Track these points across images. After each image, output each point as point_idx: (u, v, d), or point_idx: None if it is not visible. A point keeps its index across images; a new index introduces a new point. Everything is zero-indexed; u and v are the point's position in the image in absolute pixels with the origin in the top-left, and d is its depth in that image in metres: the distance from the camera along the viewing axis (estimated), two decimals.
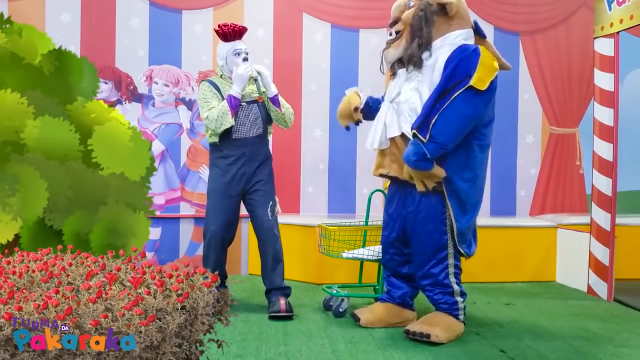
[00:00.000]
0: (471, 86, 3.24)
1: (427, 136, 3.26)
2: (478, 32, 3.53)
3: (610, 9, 4.42)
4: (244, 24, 4.19)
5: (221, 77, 4.05)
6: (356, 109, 3.77)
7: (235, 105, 3.88)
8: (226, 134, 3.92)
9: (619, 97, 4.49)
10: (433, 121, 3.25)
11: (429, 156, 3.28)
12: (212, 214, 4.00)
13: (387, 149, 3.58)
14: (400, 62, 3.53)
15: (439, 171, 3.36)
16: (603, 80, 4.55)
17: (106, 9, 5.18)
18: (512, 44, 5.73)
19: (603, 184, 4.53)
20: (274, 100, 3.99)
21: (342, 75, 5.53)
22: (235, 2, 5.35)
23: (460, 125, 3.29)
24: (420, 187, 3.41)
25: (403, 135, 3.47)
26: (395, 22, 3.53)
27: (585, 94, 5.72)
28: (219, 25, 4.01)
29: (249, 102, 3.97)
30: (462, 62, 3.28)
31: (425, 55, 3.42)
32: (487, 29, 5.68)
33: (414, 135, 3.33)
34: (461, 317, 3.50)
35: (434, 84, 3.37)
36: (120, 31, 5.21)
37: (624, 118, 4.74)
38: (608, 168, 4.49)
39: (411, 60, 3.44)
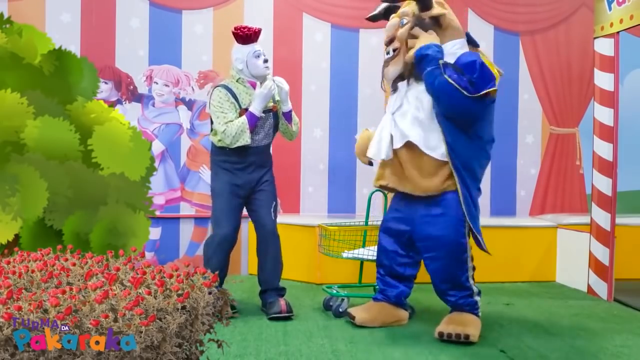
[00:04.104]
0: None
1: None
2: (471, 41, 3.59)
3: (610, 9, 4.42)
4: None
5: (237, 82, 3.91)
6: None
7: (254, 123, 3.82)
8: None
9: (619, 97, 4.49)
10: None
11: (442, 70, 3.33)
12: (224, 216, 3.88)
13: (389, 161, 3.61)
14: (400, 77, 3.58)
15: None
16: (603, 80, 4.55)
17: (106, 9, 5.19)
18: (512, 44, 5.74)
19: (603, 184, 4.53)
20: (287, 116, 3.99)
21: (342, 75, 5.54)
22: (235, 2, 5.35)
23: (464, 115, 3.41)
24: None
25: (407, 146, 3.49)
26: (391, 41, 3.60)
27: (585, 94, 5.72)
28: (236, 28, 3.89)
29: (265, 112, 3.91)
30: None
31: None
32: (487, 29, 5.71)
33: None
34: (480, 314, 3.56)
35: None
36: (120, 31, 5.21)
37: (624, 118, 4.75)
38: (608, 168, 4.49)
39: (411, 73, 3.49)
